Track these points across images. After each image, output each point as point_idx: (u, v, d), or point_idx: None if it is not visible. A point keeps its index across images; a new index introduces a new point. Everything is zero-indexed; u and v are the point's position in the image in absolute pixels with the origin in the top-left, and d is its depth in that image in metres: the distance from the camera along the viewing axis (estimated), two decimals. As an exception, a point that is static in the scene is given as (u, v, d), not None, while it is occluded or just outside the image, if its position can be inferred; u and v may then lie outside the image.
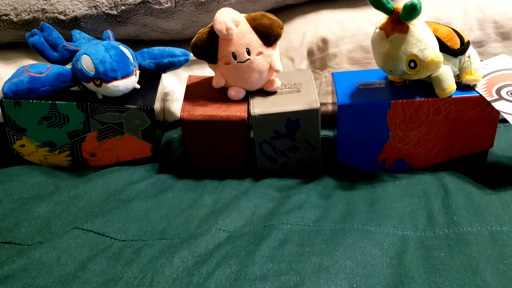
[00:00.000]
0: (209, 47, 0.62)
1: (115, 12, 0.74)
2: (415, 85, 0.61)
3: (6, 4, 0.74)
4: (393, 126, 0.61)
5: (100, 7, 0.74)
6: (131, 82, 0.64)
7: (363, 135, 0.61)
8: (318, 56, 0.75)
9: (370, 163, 0.63)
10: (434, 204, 0.56)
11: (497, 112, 0.59)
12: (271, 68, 0.63)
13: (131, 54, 0.65)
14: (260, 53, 0.62)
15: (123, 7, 0.74)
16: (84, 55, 0.62)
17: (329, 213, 0.56)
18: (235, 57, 0.61)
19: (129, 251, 0.52)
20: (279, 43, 0.64)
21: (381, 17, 0.58)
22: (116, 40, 0.71)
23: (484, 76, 0.61)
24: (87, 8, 0.74)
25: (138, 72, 0.66)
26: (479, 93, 0.59)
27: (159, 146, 0.69)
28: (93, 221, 0.56)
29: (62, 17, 0.74)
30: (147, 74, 0.69)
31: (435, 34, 0.57)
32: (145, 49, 0.69)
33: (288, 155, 0.64)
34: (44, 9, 0.74)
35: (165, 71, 0.71)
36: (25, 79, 0.62)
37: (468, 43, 0.60)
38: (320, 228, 0.54)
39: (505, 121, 0.63)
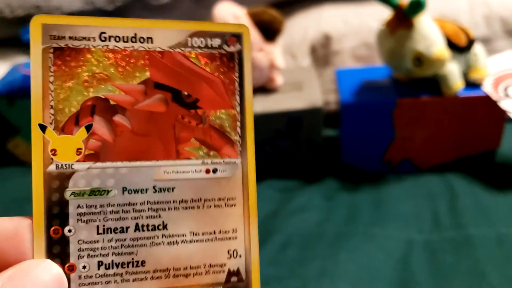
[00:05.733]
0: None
1: (110, 8, 0.74)
2: (421, 83, 0.60)
3: (1, 1, 0.74)
4: (398, 125, 0.60)
5: (95, 3, 0.73)
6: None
7: (368, 134, 0.60)
8: (321, 53, 0.74)
9: (375, 163, 0.62)
10: (440, 206, 0.56)
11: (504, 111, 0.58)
12: (272, 65, 0.62)
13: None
14: (260, 49, 0.61)
15: (119, 3, 0.74)
16: None
17: (332, 215, 0.55)
18: (235, 54, 0.60)
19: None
20: (280, 39, 0.63)
21: (386, 13, 0.57)
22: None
23: (491, 74, 0.61)
24: (82, 4, 0.73)
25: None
26: (485, 91, 0.58)
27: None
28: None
29: (57, 13, 0.73)
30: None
31: (441, 30, 0.57)
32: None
33: (290, 155, 0.63)
34: (39, 5, 0.74)
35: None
36: (19, 77, 0.62)
37: (475, 40, 0.59)
38: (322, 231, 0.53)
39: (512, 120, 0.63)
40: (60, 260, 0.25)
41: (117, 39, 0.27)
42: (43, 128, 0.25)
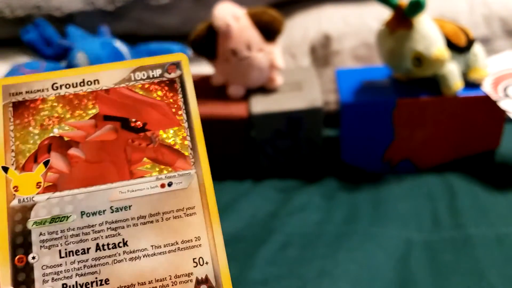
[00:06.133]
0: (208, 43, 0.61)
1: (111, 9, 0.74)
2: (421, 83, 0.60)
3: (1, 1, 0.74)
4: (398, 125, 0.60)
5: (95, 3, 0.73)
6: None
7: (368, 134, 0.60)
8: (321, 53, 0.74)
9: (375, 163, 0.62)
10: (439, 206, 0.56)
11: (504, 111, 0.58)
12: (272, 65, 0.62)
13: (127, 51, 0.64)
14: (260, 49, 0.61)
15: (119, 3, 0.73)
16: (79, 52, 0.61)
17: (332, 215, 0.55)
18: (235, 53, 0.60)
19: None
20: (280, 39, 0.63)
21: (386, 13, 0.57)
22: (112, 36, 0.70)
23: (490, 74, 0.61)
24: (82, 4, 0.73)
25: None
26: (485, 91, 0.58)
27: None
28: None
29: (57, 13, 0.73)
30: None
31: (441, 30, 0.57)
32: (142, 45, 0.68)
33: (290, 155, 0.63)
34: (39, 5, 0.73)
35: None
36: (20, 77, 0.61)
37: (474, 40, 0.59)
38: (322, 230, 0.53)
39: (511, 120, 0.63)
40: (26, 287, 0.26)
41: (67, 86, 0.31)
42: (5, 169, 0.28)
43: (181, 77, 0.32)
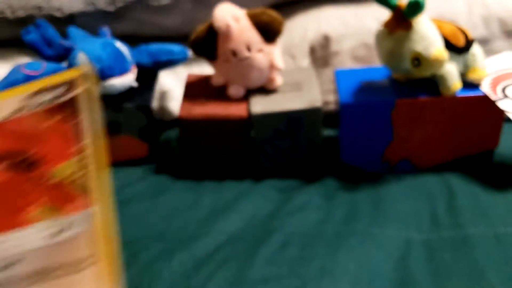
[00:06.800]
0: (208, 44, 0.61)
1: (111, 9, 0.74)
2: (420, 84, 0.60)
3: (2, 2, 0.74)
4: (397, 125, 0.60)
5: (96, 4, 0.73)
6: (128, 79, 0.63)
7: (367, 134, 0.60)
8: (320, 54, 0.74)
9: (374, 163, 0.62)
10: (438, 206, 0.56)
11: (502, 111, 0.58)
12: (272, 66, 0.62)
13: (128, 51, 0.64)
14: (260, 50, 0.61)
15: (120, 4, 0.73)
16: (80, 52, 0.61)
17: (331, 215, 0.55)
18: (235, 54, 0.60)
19: (126, 254, 0.51)
20: (280, 40, 0.63)
21: (385, 14, 0.57)
22: (113, 36, 0.71)
23: (489, 74, 0.61)
24: (83, 5, 0.73)
25: (135, 69, 0.65)
26: (484, 92, 0.58)
27: (156, 146, 0.68)
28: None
29: (58, 14, 0.73)
30: (144, 72, 0.68)
31: (439, 31, 0.57)
32: (143, 46, 0.68)
33: (289, 155, 0.63)
34: (40, 6, 0.73)
35: (162, 68, 0.70)
36: (21, 77, 0.61)
37: (473, 40, 0.59)
38: (322, 230, 0.53)
39: (510, 120, 0.63)
40: None
41: None
42: None
43: (79, 97, 0.28)
